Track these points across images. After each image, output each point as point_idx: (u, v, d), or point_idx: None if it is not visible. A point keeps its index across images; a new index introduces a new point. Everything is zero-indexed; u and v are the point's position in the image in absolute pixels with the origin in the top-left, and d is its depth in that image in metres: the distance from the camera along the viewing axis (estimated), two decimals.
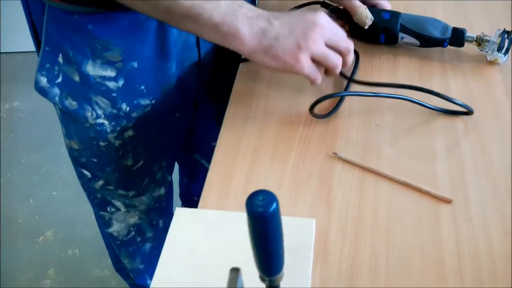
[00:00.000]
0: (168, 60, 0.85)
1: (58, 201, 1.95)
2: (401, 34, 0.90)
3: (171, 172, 1.07)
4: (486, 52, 0.89)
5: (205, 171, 1.20)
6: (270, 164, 0.75)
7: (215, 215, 0.69)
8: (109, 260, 1.78)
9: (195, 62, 0.89)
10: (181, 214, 0.69)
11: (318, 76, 0.76)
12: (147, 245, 1.14)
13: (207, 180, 0.74)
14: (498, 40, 0.87)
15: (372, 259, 0.65)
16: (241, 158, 0.77)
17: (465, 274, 0.63)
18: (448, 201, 0.70)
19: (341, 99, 0.83)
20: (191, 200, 1.38)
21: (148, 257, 1.17)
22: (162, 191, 1.04)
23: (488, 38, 0.88)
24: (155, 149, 0.96)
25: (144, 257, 1.17)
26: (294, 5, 0.99)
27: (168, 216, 1.11)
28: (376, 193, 0.71)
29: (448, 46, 0.90)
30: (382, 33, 0.90)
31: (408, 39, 0.90)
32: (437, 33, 0.89)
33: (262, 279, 0.52)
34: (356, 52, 0.88)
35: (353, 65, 0.88)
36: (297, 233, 0.65)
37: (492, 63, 0.90)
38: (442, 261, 0.64)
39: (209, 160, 1.16)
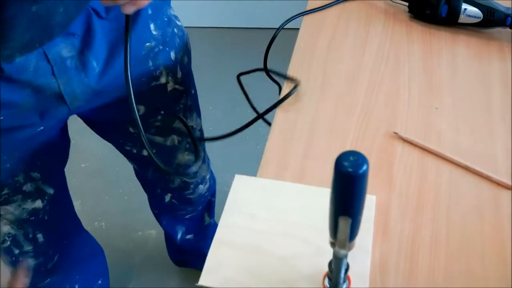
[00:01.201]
0: (17, 86, 0.77)
1: (86, 173, 1.96)
2: (464, 5, 0.89)
3: (54, 184, 0.98)
4: None
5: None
6: (328, 138, 0.75)
7: (273, 184, 0.69)
8: (134, 235, 1.79)
9: (56, 92, 0.81)
10: (239, 181, 0.69)
11: None
12: (31, 261, 1.03)
13: (265, 151, 0.74)
14: None
15: (433, 239, 0.64)
16: (298, 131, 0.76)
17: None
18: (508, 187, 0.69)
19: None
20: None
21: (34, 274, 1.05)
22: (39, 204, 0.95)
23: None
24: (14, 159, 0.87)
25: (29, 273, 1.02)
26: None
27: (51, 230, 1.01)
28: (437, 175, 0.70)
29: (509, 29, 0.89)
30: (445, 5, 0.89)
31: (470, 11, 0.89)
32: (501, 7, 0.88)
33: (334, 245, 0.51)
34: None
35: None
36: None
37: None
38: (503, 244, 0.63)
39: (133, 163, 1.16)
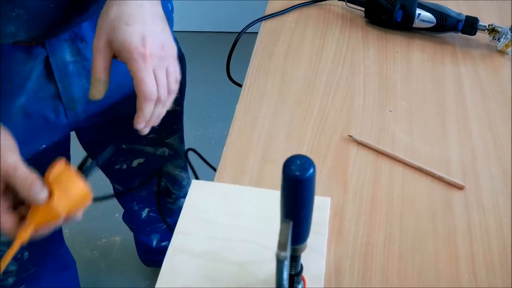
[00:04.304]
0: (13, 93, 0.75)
1: None
2: (418, 10, 0.91)
3: None
4: (498, 40, 0.91)
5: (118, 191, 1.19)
6: (285, 142, 0.76)
7: (231, 189, 0.69)
8: (99, 242, 1.77)
9: (53, 94, 0.79)
10: (196, 187, 0.69)
11: None
12: (10, 280, 1.00)
13: (222, 156, 0.74)
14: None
15: (386, 239, 0.65)
16: (256, 135, 0.77)
17: (477, 257, 0.64)
18: (460, 187, 0.71)
19: None
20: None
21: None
22: None
23: (500, 27, 0.90)
24: None
25: None
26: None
27: (37, 247, 0.99)
28: (391, 176, 0.72)
29: (461, 34, 0.92)
30: (400, 10, 0.92)
31: (424, 17, 0.91)
32: (453, 13, 0.91)
33: None
34: None
35: None
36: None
37: (502, 52, 0.92)
38: (455, 245, 0.65)
39: (118, 183, 1.15)
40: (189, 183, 1.23)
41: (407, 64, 0.89)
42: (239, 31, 0.95)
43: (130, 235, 1.54)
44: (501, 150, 0.76)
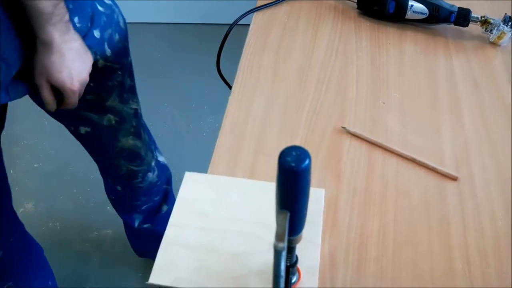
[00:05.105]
0: None
1: (39, 173, 1.91)
2: (410, 2, 0.92)
3: None
4: (490, 32, 0.91)
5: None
6: (279, 134, 0.76)
7: (224, 181, 0.69)
8: (90, 235, 1.77)
9: None
10: (190, 178, 0.69)
11: None
12: None
13: (216, 148, 0.74)
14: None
15: (380, 230, 0.65)
16: (249, 127, 0.77)
17: (470, 247, 0.64)
18: (454, 178, 0.71)
19: None
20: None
21: None
22: None
23: (492, 19, 0.91)
24: None
25: None
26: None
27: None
28: (384, 167, 0.72)
29: (453, 25, 0.92)
30: (392, 1, 0.92)
31: (417, 8, 0.92)
32: (445, 4, 0.92)
33: None
34: None
35: None
36: None
37: (494, 44, 0.92)
38: (448, 235, 0.65)
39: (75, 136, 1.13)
40: (147, 154, 1.21)
41: (400, 56, 0.89)
42: (231, 23, 0.95)
43: (121, 228, 1.54)
44: (494, 140, 0.76)
